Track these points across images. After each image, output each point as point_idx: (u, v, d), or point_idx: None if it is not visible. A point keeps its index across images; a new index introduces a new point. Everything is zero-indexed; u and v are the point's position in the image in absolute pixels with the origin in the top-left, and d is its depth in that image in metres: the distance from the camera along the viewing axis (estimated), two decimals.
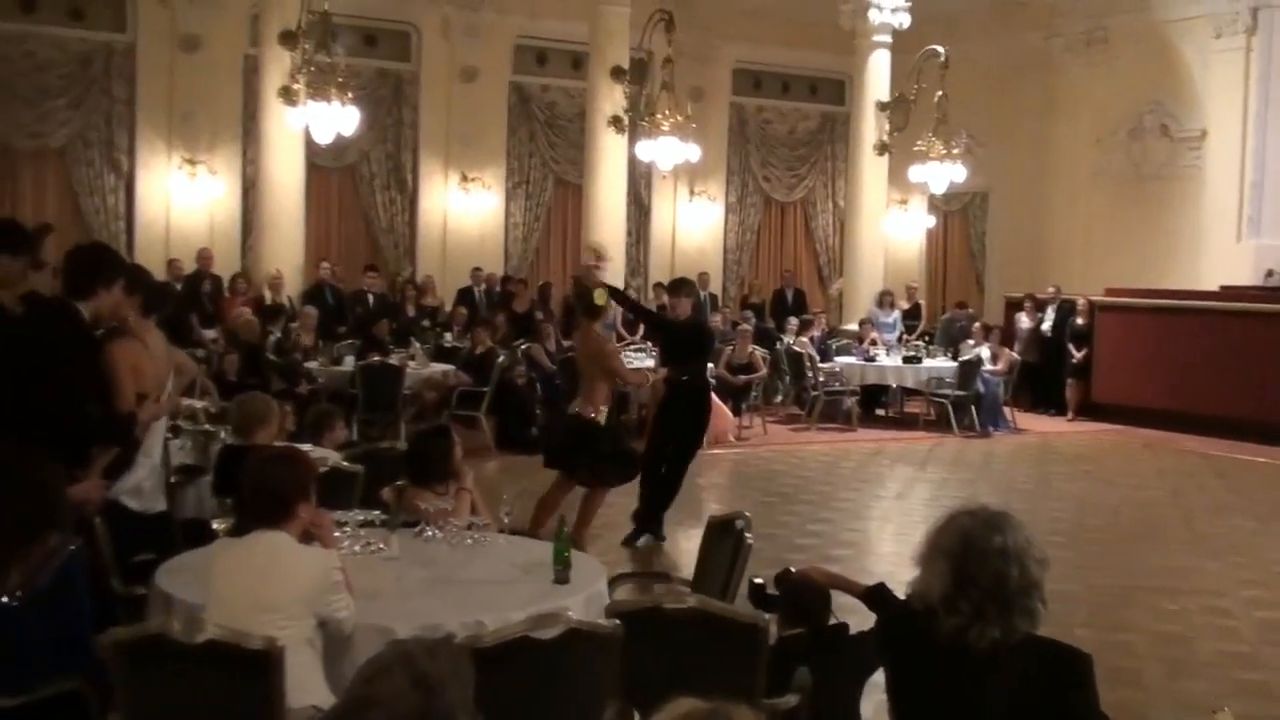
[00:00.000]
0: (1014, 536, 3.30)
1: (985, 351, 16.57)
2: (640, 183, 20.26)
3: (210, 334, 14.82)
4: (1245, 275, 17.35)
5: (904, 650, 3.52)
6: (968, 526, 3.33)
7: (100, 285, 5.54)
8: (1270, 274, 17.41)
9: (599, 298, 8.90)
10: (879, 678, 3.80)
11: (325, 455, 6.83)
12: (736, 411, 15.25)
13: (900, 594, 3.72)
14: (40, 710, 3.97)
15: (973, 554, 3.28)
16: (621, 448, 9.00)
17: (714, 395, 14.43)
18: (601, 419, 8.71)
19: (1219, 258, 17.72)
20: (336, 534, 4.64)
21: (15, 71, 16.52)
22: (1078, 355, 17.33)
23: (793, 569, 4.96)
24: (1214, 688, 6.44)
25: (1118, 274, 18.10)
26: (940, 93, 17.58)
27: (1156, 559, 9.57)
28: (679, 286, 10.02)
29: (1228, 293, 16.72)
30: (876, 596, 4.15)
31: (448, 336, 16.11)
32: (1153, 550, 9.88)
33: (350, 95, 14.13)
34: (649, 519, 9.32)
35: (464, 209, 19.41)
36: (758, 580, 4.92)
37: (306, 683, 3.92)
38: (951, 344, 17.45)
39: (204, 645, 3.73)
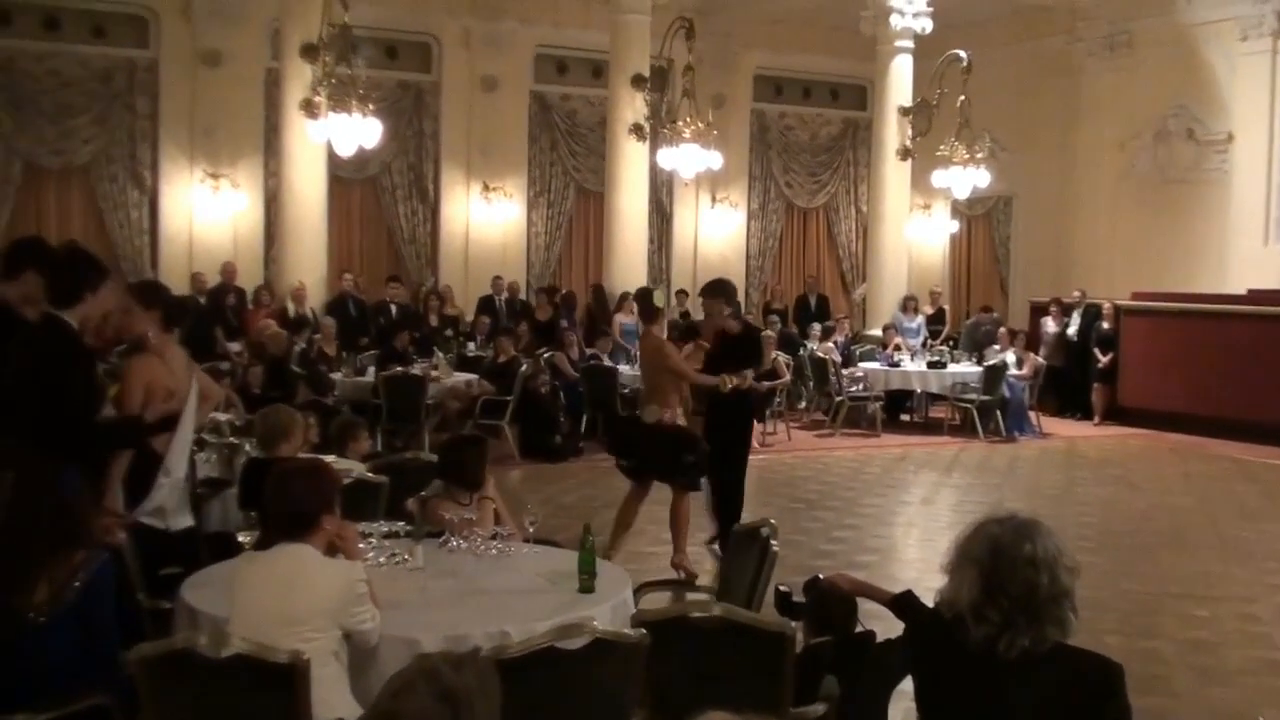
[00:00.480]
0: (1044, 544, 3.27)
1: (1010, 356, 16.50)
2: (662, 190, 20.26)
3: (235, 346, 14.89)
4: (1273, 279, 17.19)
5: (932, 659, 3.49)
6: (997, 534, 3.30)
7: (86, 290, 5.47)
8: None
9: (658, 299, 8.71)
10: (907, 685, 3.77)
11: (350, 467, 6.84)
12: (760, 418, 15.20)
13: (927, 601, 3.70)
14: None
15: (1002, 562, 3.25)
16: (703, 449, 8.68)
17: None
18: (682, 422, 8.52)
19: (1246, 261, 17.58)
20: (361, 545, 4.63)
21: (39, 89, 16.66)
22: (1104, 360, 17.24)
23: (820, 576, 4.94)
24: (1245, 695, 6.38)
25: (1143, 278, 17.99)
26: (963, 97, 17.52)
27: (1185, 565, 9.49)
28: (718, 289, 9.12)
29: (1255, 296, 16.60)
30: (904, 604, 4.12)
31: (471, 346, 16.13)
32: (1181, 556, 9.79)
33: (371, 107, 14.21)
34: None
35: (486, 218, 19.44)
36: (783, 588, 4.89)
37: (332, 696, 3.91)
38: (976, 348, 17.38)
39: (230, 659, 3.73)
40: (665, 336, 8.81)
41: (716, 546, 9.05)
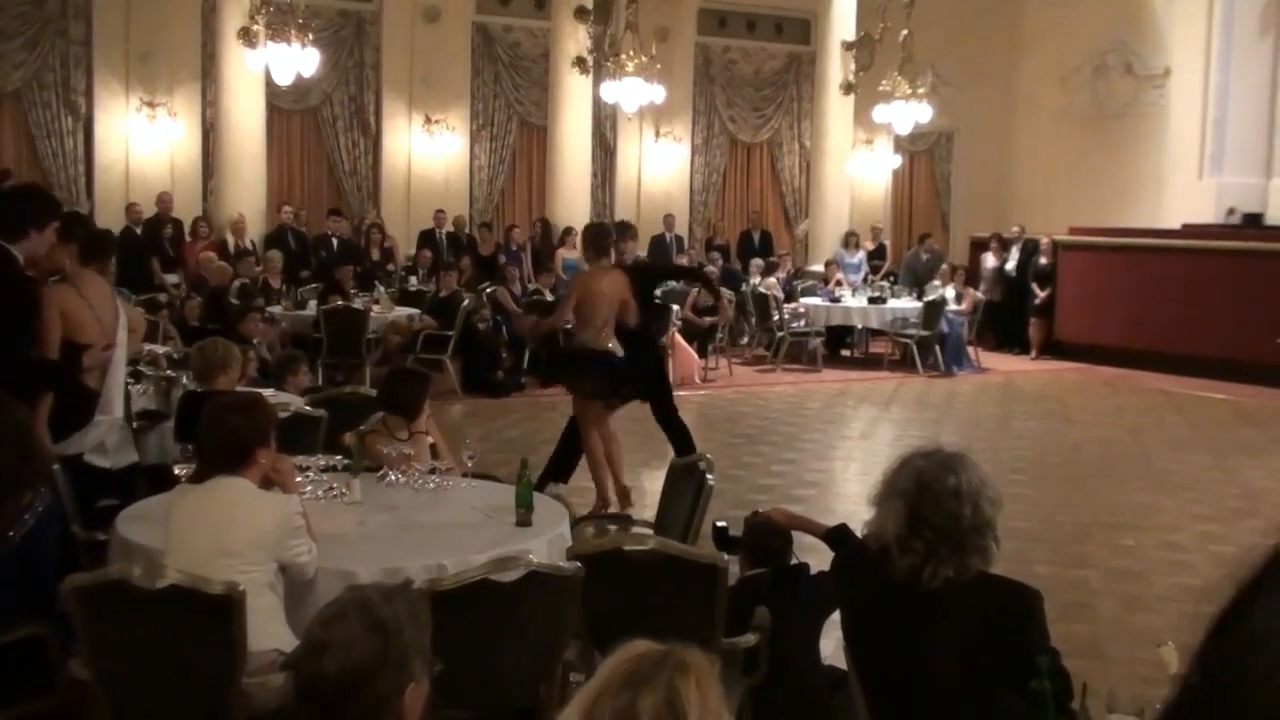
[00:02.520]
0: (967, 477, 3.35)
1: (950, 291, 16.66)
2: (605, 124, 20.14)
3: (172, 278, 14.73)
4: (1207, 213, 17.48)
5: (859, 589, 3.58)
6: (922, 468, 3.37)
7: (31, 226, 5.41)
8: (1231, 212, 17.56)
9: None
10: (838, 616, 3.86)
11: (288, 401, 6.83)
12: (702, 353, 15.30)
13: (860, 535, 3.78)
14: (1, 654, 3.99)
15: (927, 494, 3.32)
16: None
17: (679, 337, 14.56)
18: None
19: (1181, 196, 17.83)
20: (298, 479, 4.65)
21: None
22: (1041, 294, 17.44)
23: (758, 510, 5.02)
24: (1168, 620, 6.55)
25: (1082, 213, 18.20)
26: (905, 31, 17.51)
27: (1115, 496, 9.70)
28: (626, 230, 9.93)
29: (1189, 231, 16.85)
30: (837, 537, 4.22)
31: (412, 280, 16.05)
32: (1112, 487, 10.01)
33: (310, 36, 14.01)
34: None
35: (428, 152, 19.25)
36: (721, 524, 4.98)
37: (268, 627, 3.94)
38: (916, 281, 17.51)
39: (165, 590, 3.75)
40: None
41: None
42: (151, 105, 17.21)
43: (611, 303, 8.28)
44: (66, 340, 5.68)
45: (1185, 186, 17.88)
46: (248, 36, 14.34)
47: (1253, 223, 17.41)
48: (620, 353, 8.37)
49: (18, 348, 5.37)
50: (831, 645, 4.76)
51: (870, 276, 18.23)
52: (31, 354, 5.51)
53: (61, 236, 5.75)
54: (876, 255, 19.19)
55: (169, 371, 7.69)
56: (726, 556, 4.53)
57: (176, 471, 5.16)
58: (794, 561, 4.86)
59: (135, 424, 6.62)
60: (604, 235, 8.90)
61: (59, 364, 5.63)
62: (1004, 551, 3.42)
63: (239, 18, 14.56)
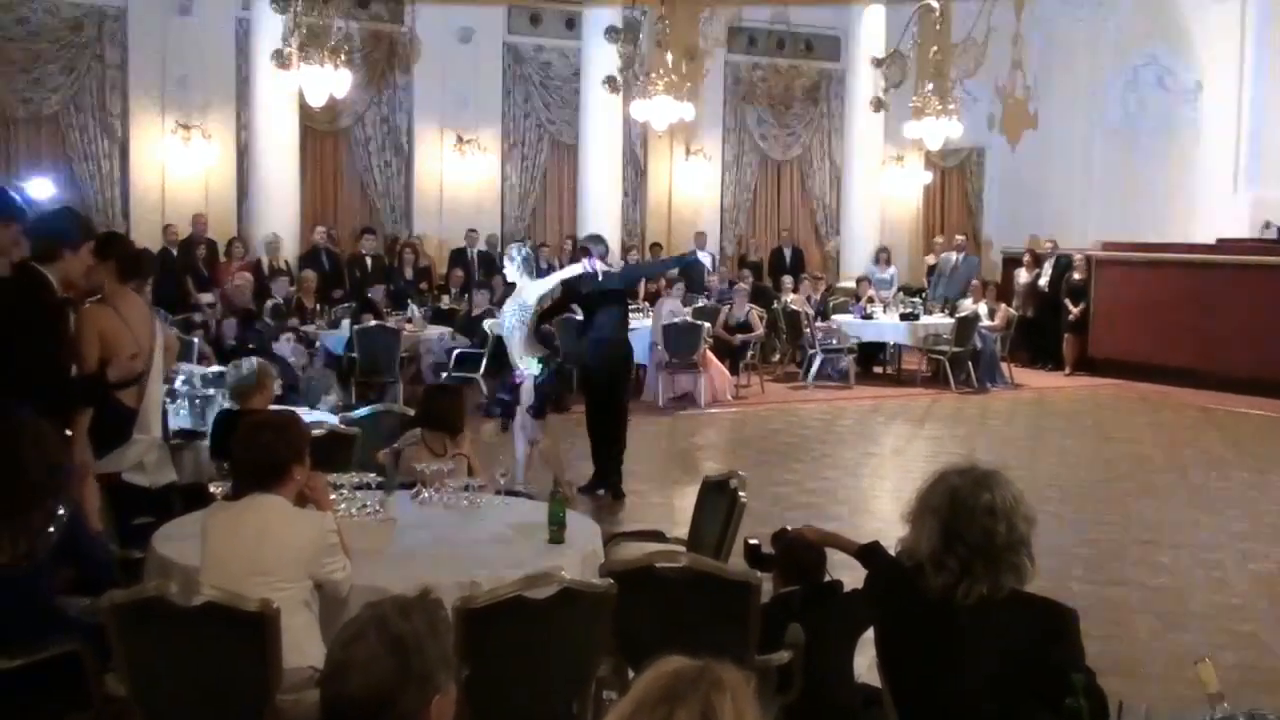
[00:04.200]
0: (1002, 494, 3.33)
1: (983, 307, 16.59)
2: (636, 143, 20.19)
3: (207, 298, 14.84)
4: (1242, 227, 17.32)
5: (893, 606, 3.57)
6: (956, 485, 3.36)
7: (65, 249, 5.46)
8: (1267, 225, 17.38)
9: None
10: (871, 634, 3.84)
11: (322, 419, 6.87)
12: (734, 370, 15.29)
13: (894, 552, 3.76)
14: (39, 671, 4.02)
15: (961, 511, 3.31)
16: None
17: (711, 354, 14.55)
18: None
19: (1215, 210, 17.69)
20: (332, 496, 4.67)
21: (8, 37, 16.45)
22: (1074, 310, 17.34)
23: (788, 528, 5.01)
24: (1205, 639, 6.50)
25: (1115, 228, 18.08)
26: (935, 48, 17.48)
27: (1152, 513, 9.62)
28: (598, 241, 10.14)
29: (1224, 245, 16.71)
30: (870, 554, 4.19)
31: (445, 298, 16.12)
32: (1148, 504, 9.92)
33: (343, 58, 14.11)
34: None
35: (460, 171, 19.35)
36: (753, 541, 4.97)
37: (303, 644, 3.96)
38: (953, 284, 17.50)
39: (200, 607, 3.77)
40: None
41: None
42: (186, 128, 17.38)
43: None
44: (104, 359, 5.74)
45: (1220, 201, 17.74)
46: (281, 59, 14.43)
47: None
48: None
49: (52, 368, 5.42)
50: (865, 663, 4.74)
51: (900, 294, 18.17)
52: (67, 373, 5.56)
53: (100, 255, 5.80)
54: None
55: (204, 390, 7.75)
56: (759, 574, 4.52)
57: (212, 489, 5.19)
58: (827, 579, 4.85)
59: (171, 442, 6.67)
60: None
61: (94, 381, 5.67)
62: (1039, 569, 3.40)
63: (272, 40, 14.67)
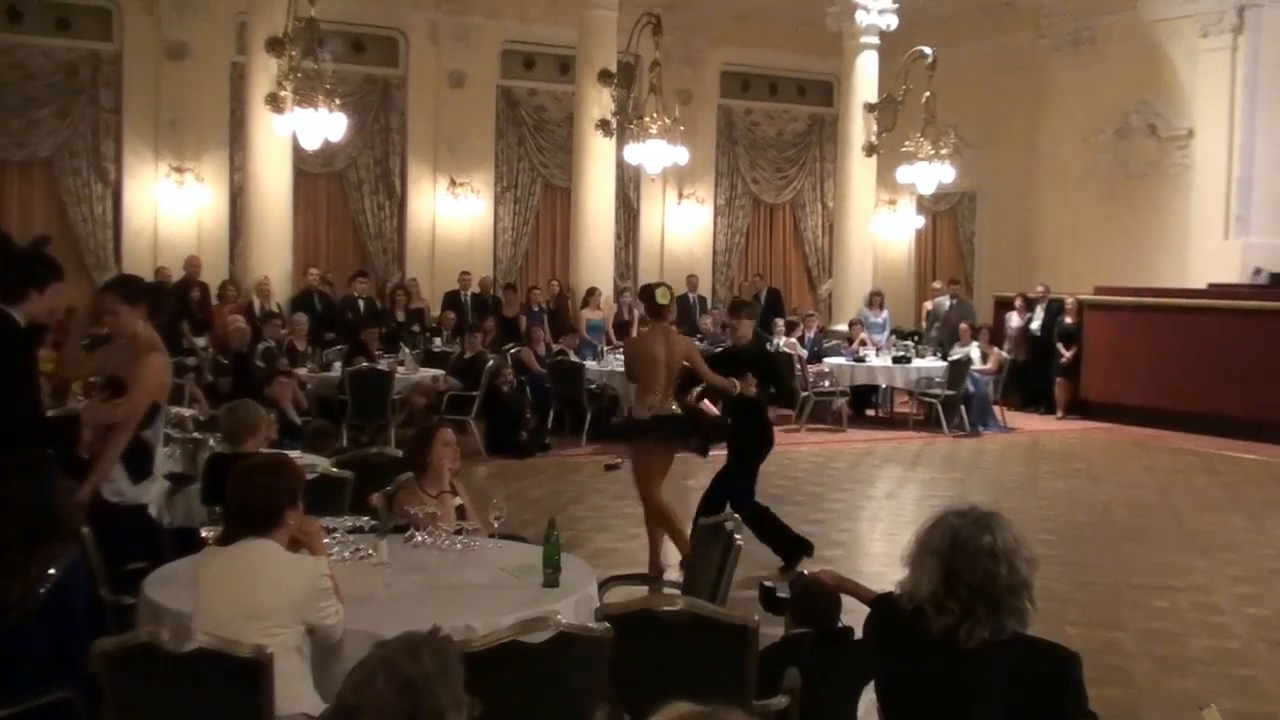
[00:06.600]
0: (1003, 536, 3.31)
1: (975, 351, 16.62)
2: (629, 186, 20.27)
3: (200, 341, 14.81)
4: (1233, 273, 17.41)
5: (893, 649, 3.53)
6: (956, 526, 3.34)
7: (31, 288, 5.47)
8: (1258, 272, 17.47)
9: (661, 296, 8.63)
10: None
11: (315, 462, 6.83)
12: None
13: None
14: (31, 717, 3.98)
15: (961, 554, 3.28)
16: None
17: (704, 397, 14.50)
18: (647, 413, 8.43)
19: (1207, 256, 17.77)
20: (326, 540, 4.63)
21: (2, 81, 16.51)
22: (1066, 354, 17.37)
23: (805, 572, 4.98)
24: (1204, 684, 6.46)
25: (1106, 273, 18.15)
26: (928, 93, 17.61)
27: (1147, 556, 9.59)
28: (740, 309, 9.65)
29: (1216, 291, 16.78)
30: (881, 602, 4.15)
31: (437, 341, 16.11)
32: (1143, 548, 9.90)
33: (337, 101, 14.16)
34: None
35: (453, 214, 19.41)
36: (768, 583, 4.95)
37: (296, 690, 3.91)
38: (945, 328, 17.55)
39: (193, 653, 3.73)
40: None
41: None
42: (180, 171, 17.44)
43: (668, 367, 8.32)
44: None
45: (1211, 247, 17.82)
46: (275, 102, 14.49)
47: (1279, 282, 17.32)
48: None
49: (16, 408, 5.40)
50: (864, 707, 4.70)
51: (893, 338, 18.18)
52: (34, 409, 5.57)
53: (128, 299, 5.88)
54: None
55: (196, 434, 7.71)
56: (774, 616, 4.48)
57: (204, 534, 5.16)
58: (841, 625, 4.81)
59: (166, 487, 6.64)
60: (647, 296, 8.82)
61: (54, 425, 5.71)
62: (1035, 612, 3.37)
63: (267, 84, 14.73)
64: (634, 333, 17.39)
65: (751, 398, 8.80)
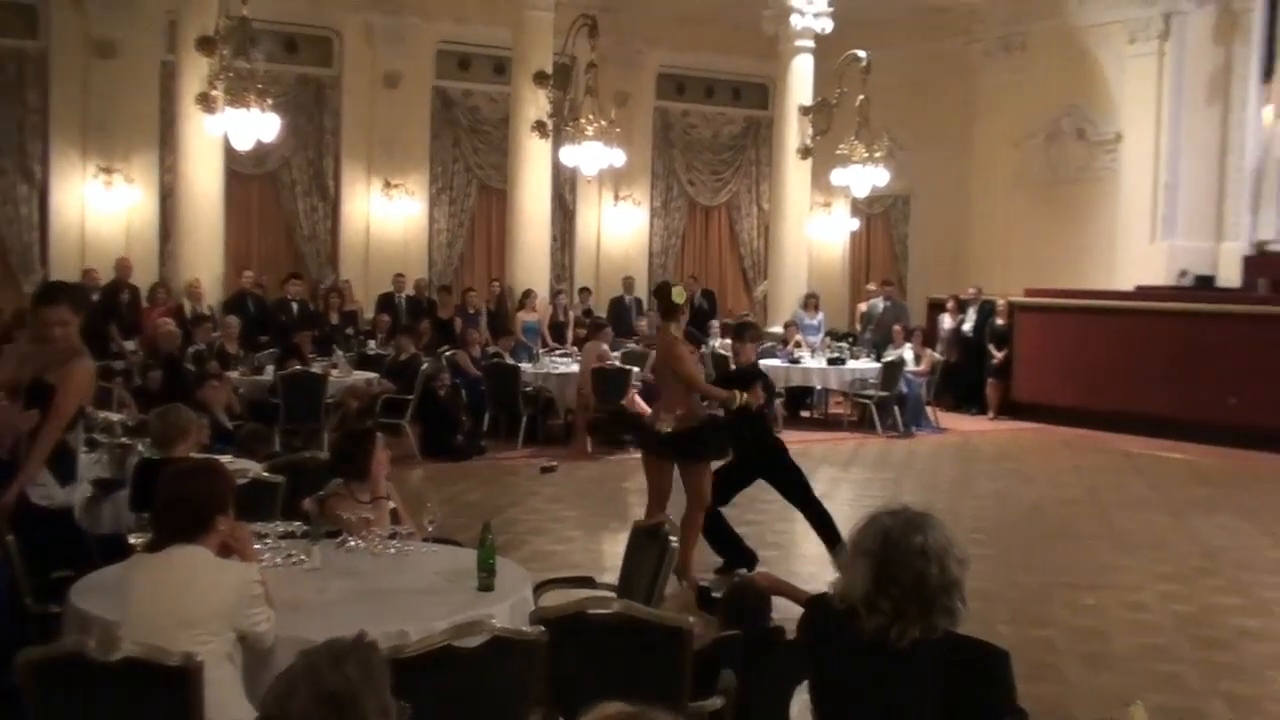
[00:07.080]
0: (935, 536, 3.33)
1: (908, 352, 16.77)
2: (565, 187, 20.24)
3: (129, 345, 14.58)
4: (1159, 275, 17.72)
5: (825, 650, 3.55)
6: (889, 526, 3.36)
7: None
8: (1184, 274, 17.80)
9: (678, 295, 8.39)
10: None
11: (246, 467, 6.76)
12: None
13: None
14: None
15: (894, 554, 3.31)
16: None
17: (640, 399, 14.52)
18: (667, 428, 8.25)
19: (1134, 258, 18.07)
20: (257, 546, 4.58)
21: None
22: (998, 355, 17.57)
23: (741, 573, 5.00)
24: (1131, 680, 6.56)
25: (1037, 275, 18.38)
26: (862, 97, 17.73)
27: (1076, 555, 9.72)
28: (744, 331, 9.60)
29: (1143, 293, 17.06)
30: (816, 604, 4.18)
31: (371, 344, 15.98)
32: (1072, 547, 10.03)
33: (270, 101, 14.01)
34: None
35: (387, 216, 19.28)
36: (703, 583, 4.96)
37: (226, 699, 3.86)
38: (879, 330, 17.67)
39: (120, 663, 3.67)
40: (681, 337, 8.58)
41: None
42: (109, 171, 17.18)
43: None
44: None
45: (1138, 249, 18.12)
46: (206, 102, 14.30)
47: (1204, 285, 17.65)
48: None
49: None
50: (798, 706, 4.71)
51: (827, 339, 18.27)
52: None
53: (75, 308, 5.87)
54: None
55: (124, 439, 7.58)
56: (708, 616, 4.50)
57: (131, 541, 5.08)
58: (772, 625, 4.83)
59: (90, 493, 6.53)
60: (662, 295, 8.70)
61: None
62: (967, 612, 3.40)
63: (198, 84, 14.53)
64: (569, 335, 17.44)
65: (750, 410, 8.72)
